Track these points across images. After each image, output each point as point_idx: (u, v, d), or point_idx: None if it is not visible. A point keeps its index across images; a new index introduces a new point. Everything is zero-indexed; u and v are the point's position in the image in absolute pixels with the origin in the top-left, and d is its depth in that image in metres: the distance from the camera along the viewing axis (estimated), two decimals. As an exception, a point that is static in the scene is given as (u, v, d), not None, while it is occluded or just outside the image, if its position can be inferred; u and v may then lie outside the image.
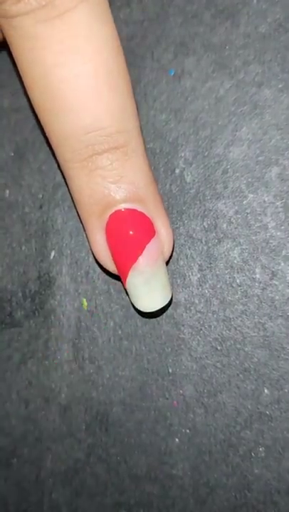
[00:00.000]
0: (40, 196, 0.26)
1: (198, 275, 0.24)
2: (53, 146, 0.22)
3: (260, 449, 0.23)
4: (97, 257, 0.23)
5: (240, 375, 0.23)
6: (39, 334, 0.26)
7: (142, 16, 0.25)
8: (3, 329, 0.27)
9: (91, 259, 0.25)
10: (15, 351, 0.26)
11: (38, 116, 0.22)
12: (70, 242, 0.25)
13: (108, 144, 0.21)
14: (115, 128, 0.21)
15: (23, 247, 0.26)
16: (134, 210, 0.22)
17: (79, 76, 0.20)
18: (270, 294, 0.23)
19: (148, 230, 0.22)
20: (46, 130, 0.22)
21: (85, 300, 0.25)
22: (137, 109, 0.25)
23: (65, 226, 0.26)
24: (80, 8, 0.20)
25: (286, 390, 0.22)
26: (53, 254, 0.26)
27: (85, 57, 0.20)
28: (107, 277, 0.25)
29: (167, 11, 0.25)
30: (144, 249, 0.22)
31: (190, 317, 0.24)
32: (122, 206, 0.22)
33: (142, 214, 0.22)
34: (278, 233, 0.23)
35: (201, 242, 0.24)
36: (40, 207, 0.26)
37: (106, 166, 0.21)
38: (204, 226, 0.24)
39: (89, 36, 0.20)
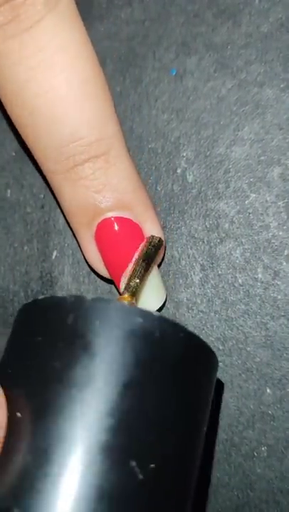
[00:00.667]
0: (42, 196, 0.26)
1: (201, 275, 0.24)
2: (36, 159, 0.22)
3: (263, 448, 0.23)
4: (91, 265, 0.23)
5: (243, 375, 0.23)
6: (41, 334, 0.26)
7: (143, 15, 0.25)
8: (6, 329, 0.27)
9: (93, 259, 0.25)
10: (17, 351, 0.26)
11: (18, 130, 0.21)
12: (72, 242, 0.25)
13: (88, 153, 0.21)
14: (94, 136, 0.21)
15: (25, 247, 0.26)
16: (120, 218, 0.22)
17: (53, 89, 0.20)
18: (272, 294, 0.23)
19: (136, 236, 0.22)
20: (28, 143, 0.22)
21: (87, 300, 0.25)
22: (139, 108, 0.25)
23: (66, 226, 0.26)
24: (47, 19, 0.20)
25: (288, 390, 0.23)
26: (54, 254, 0.26)
27: (57, 69, 0.20)
28: (105, 280, 0.25)
29: (169, 10, 0.25)
30: (134, 254, 0.22)
31: (192, 317, 0.24)
32: (109, 214, 0.21)
33: (129, 221, 0.22)
34: (280, 233, 0.23)
35: (203, 241, 0.24)
36: (42, 207, 0.26)
37: (88, 175, 0.21)
38: (206, 226, 0.24)
39: (59, 47, 0.20)
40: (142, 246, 0.22)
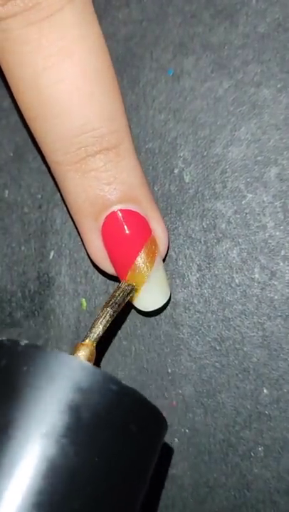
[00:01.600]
0: (40, 196, 0.26)
1: (197, 275, 0.24)
2: (43, 151, 0.22)
3: (260, 448, 0.23)
4: (94, 259, 0.23)
5: (240, 375, 0.23)
6: (39, 334, 0.26)
7: (140, 15, 0.25)
8: (3, 329, 0.27)
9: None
10: (14, 351, 0.26)
11: (27, 120, 0.21)
12: (69, 242, 0.26)
13: (101, 144, 0.21)
14: (107, 128, 0.21)
15: (22, 247, 0.26)
16: (129, 211, 0.22)
17: (70, 78, 0.20)
18: (269, 294, 0.23)
19: (144, 230, 0.22)
20: (36, 134, 0.22)
21: (84, 300, 0.25)
22: (136, 108, 0.25)
23: (64, 226, 0.26)
24: (67, 10, 0.20)
25: (285, 390, 0.23)
26: (52, 254, 0.26)
27: (75, 59, 0.20)
28: (106, 277, 0.25)
29: (166, 10, 0.25)
30: (141, 249, 0.22)
31: (189, 317, 0.24)
32: (118, 207, 0.21)
33: (137, 214, 0.22)
34: (277, 233, 0.23)
35: (200, 242, 0.24)
36: (40, 207, 0.26)
37: (99, 167, 0.21)
38: (203, 226, 0.24)
39: (77, 37, 0.20)
40: (113, 292, 0.22)
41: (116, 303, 0.21)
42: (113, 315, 0.21)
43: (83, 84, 0.20)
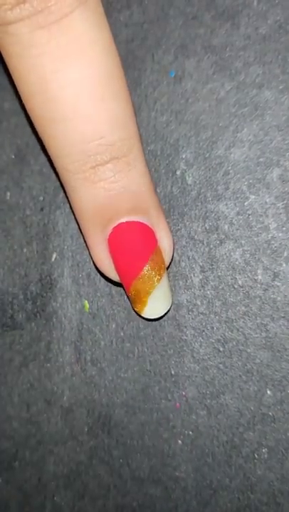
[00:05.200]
0: (42, 199, 0.26)
1: (200, 277, 0.24)
2: (51, 156, 0.21)
3: (263, 450, 0.23)
4: (99, 268, 0.23)
5: (243, 377, 0.23)
6: (41, 337, 0.26)
7: (142, 18, 0.25)
8: (5, 332, 0.27)
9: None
10: (16, 354, 0.26)
11: (36, 125, 0.21)
12: (72, 244, 0.25)
13: (110, 153, 0.20)
14: (117, 136, 0.20)
15: (25, 250, 0.26)
16: (137, 222, 0.21)
17: (79, 82, 0.20)
18: (272, 295, 0.23)
19: (151, 241, 0.22)
20: (45, 140, 0.21)
21: (86, 302, 0.25)
22: (138, 110, 0.25)
23: (66, 228, 0.26)
24: (78, 13, 0.19)
25: (289, 391, 0.23)
26: (54, 256, 0.26)
27: (85, 63, 0.20)
28: (108, 281, 0.25)
29: (167, 12, 0.25)
30: (148, 260, 0.22)
31: (192, 319, 0.24)
32: (126, 219, 0.21)
33: (145, 225, 0.22)
34: (280, 234, 0.23)
35: (203, 243, 0.24)
36: (42, 209, 0.26)
37: (109, 177, 0.21)
38: (206, 227, 0.24)
39: (87, 41, 0.20)
40: None
41: None
42: None
43: (93, 88, 0.20)
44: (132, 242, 0.21)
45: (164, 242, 0.22)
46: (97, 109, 0.20)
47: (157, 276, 0.22)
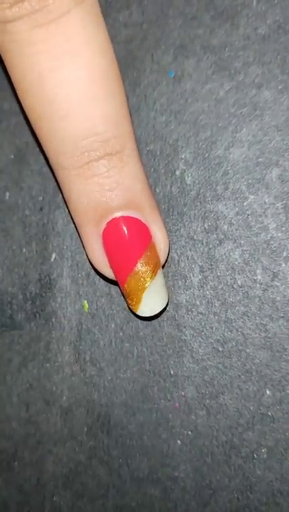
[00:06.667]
0: (41, 199, 0.26)
1: (200, 277, 0.24)
2: (47, 153, 0.22)
3: (263, 450, 0.23)
4: (94, 264, 0.23)
5: (242, 377, 0.23)
6: (40, 337, 0.26)
7: (141, 18, 0.25)
8: (4, 332, 0.27)
9: (92, 261, 0.25)
10: (16, 354, 0.26)
11: (32, 122, 0.21)
12: (71, 244, 0.25)
13: (104, 150, 0.21)
14: (111, 133, 0.21)
15: (24, 250, 0.26)
16: (131, 218, 0.22)
17: (75, 80, 0.20)
18: (271, 295, 0.23)
19: (145, 236, 0.22)
20: (40, 137, 0.21)
21: (86, 302, 0.25)
22: (137, 110, 0.25)
23: (65, 228, 0.26)
24: (75, 13, 0.20)
25: (288, 391, 0.22)
26: (53, 256, 0.26)
27: (81, 62, 0.20)
28: (107, 281, 0.25)
29: (167, 13, 0.25)
30: (142, 255, 0.22)
31: (191, 319, 0.24)
32: (119, 214, 0.21)
33: (138, 221, 0.22)
34: (279, 234, 0.23)
35: (202, 243, 0.24)
36: (41, 209, 0.26)
37: (102, 173, 0.21)
38: (205, 227, 0.24)
39: (84, 40, 0.20)
40: None
41: None
42: None
43: (89, 87, 0.20)
44: (126, 238, 0.22)
45: (159, 237, 0.22)
46: (92, 107, 0.20)
47: (152, 273, 0.22)
